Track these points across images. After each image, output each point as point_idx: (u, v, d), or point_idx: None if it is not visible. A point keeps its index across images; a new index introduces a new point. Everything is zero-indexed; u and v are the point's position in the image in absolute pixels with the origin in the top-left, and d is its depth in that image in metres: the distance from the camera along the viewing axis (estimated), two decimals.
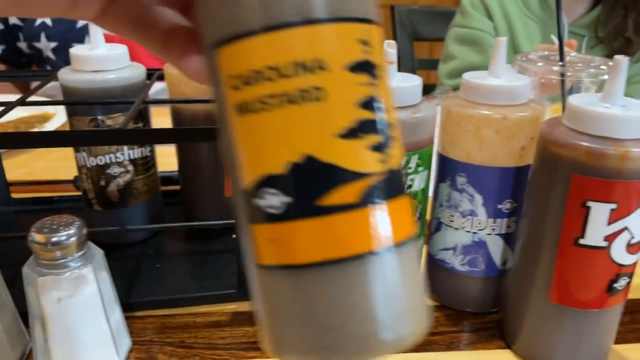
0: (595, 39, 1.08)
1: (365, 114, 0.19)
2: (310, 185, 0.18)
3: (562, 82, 0.62)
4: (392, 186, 0.19)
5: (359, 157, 0.19)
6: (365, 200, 0.19)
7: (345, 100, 0.18)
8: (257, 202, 0.19)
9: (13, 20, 1.22)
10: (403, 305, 0.20)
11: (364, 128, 0.19)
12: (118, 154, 0.51)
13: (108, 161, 0.51)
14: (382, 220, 0.19)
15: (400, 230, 0.20)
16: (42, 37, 1.22)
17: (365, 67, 0.19)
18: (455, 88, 1.09)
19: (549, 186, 0.36)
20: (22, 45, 1.26)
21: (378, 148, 0.19)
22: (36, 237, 0.34)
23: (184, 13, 0.24)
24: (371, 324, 0.19)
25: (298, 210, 0.19)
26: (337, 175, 0.18)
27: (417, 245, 0.21)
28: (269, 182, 0.19)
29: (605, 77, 0.57)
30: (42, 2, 0.20)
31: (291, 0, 0.18)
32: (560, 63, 0.63)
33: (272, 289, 0.20)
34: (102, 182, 0.52)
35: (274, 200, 0.19)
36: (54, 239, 0.34)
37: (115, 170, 0.51)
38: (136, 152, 0.52)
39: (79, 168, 0.52)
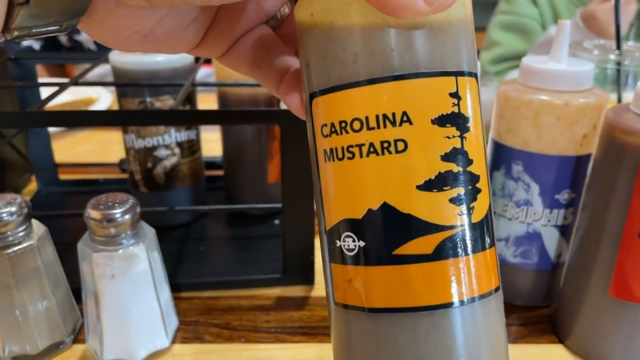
0: None
1: (449, 167, 0.19)
2: (387, 234, 0.19)
3: (618, 71, 0.60)
4: (471, 240, 0.19)
5: (438, 209, 0.19)
6: (441, 253, 0.19)
7: (429, 152, 0.19)
8: (336, 243, 0.20)
9: None
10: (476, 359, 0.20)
11: (446, 181, 0.19)
12: (165, 137, 0.51)
13: (155, 143, 0.51)
14: (457, 274, 0.19)
15: (478, 285, 0.20)
16: None
17: (452, 120, 0.19)
18: (500, 73, 1.06)
19: (613, 175, 0.35)
20: (63, 39, 1.26)
21: (459, 201, 0.19)
22: (92, 213, 0.35)
23: (297, 55, 0.25)
24: None
25: (373, 256, 0.19)
26: (414, 226, 0.19)
27: (499, 299, 0.21)
28: (349, 226, 0.20)
29: None
30: (170, 41, 0.21)
31: (380, 58, 0.18)
32: (617, 52, 0.61)
33: (345, 327, 0.21)
34: (149, 164, 0.52)
35: (351, 243, 0.20)
36: (109, 216, 0.34)
37: (162, 152, 0.52)
38: (183, 135, 0.52)
39: (127, 150, 0.52)
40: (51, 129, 0.66)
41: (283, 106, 0.53)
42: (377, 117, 0.19)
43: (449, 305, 0.19)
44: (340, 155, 0.20)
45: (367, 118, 0.19)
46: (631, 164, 0.33)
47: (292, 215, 0.44)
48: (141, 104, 0.50)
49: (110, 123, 0.41)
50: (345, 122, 0.19)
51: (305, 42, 0.21)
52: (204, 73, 0.97)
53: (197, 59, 0.54)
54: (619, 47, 0.61)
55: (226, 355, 0.40)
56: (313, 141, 0.21)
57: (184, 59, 0.51)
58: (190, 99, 0.52)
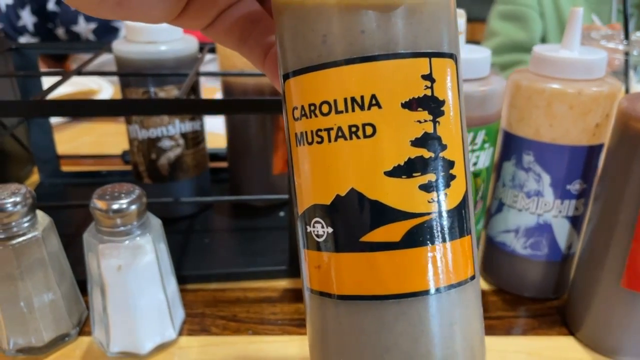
0: None
1: (419, 152, 0.18)
2: (354, 220, 0.18)
3: (626, 61, 0.59)
4: (443, 228, 0.19)
5: (407, 196, 0.18)
6: (410, 241, 0.18)
7: (398, 137, 0.18)
8: (307, 229, 0.20)
9: (50, 7, 1.20)
10: (445, 351, 0.19)
11: (416, 167, 0.18)
12: (169, 127, 0.51)
13: (159, 134, 0.51)
14: (426, 263, 0.18)
15: (449, 274, 0.19)
16: (80, 19, 1.20)
17: (424, 104, 0.18)
18: (502, 66, 1.06)
19: (627, 165, 0.34)
20: (60, 32, 1.23)
21: (431, 188, 0.18)
22: (98, 203, 0.34)
23: None
24: None
25: (340, 243, 0.19)
26: (381, 213, 0.18)
27: (474, 287, 0.20)
28: (318, 211, 0.19)
29: None
30: (147, 8, 0.20)
31: (349, 38, 0.18)
32: (624, 42, 0.60)
33: (316, 313, 0.21)
34: (153, 155, 0.51)
35: (320, 230, 0.19)
36: (115, 206, 0.34)
37: (166, 143, 0.51)
38: (187, 126, 0.52)
39: (131, 141, 0.52)
40: (52, 121, 0.65)
41: None
42: (345, 100, 0.18)
43: (416, 294, 0.19)
44: (309, 140, 0.19)
45: (335, 101, 0.18)
46: None
47: None
48: (145, 94, 0.49)
49: (115, 112, 0.41)
50: (315, 105, 0.19)
51: (278, 22, 0.20)
52: (206, 59, 0.96)
53: (201, 49, 0.53)
54: (627, 37, 0.60)
55: (233, 347, 0.39)
56: (287, 124, 0.20)
57: (188, 48, 0.50)
58: (195, 89, 0.52)
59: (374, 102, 0.18)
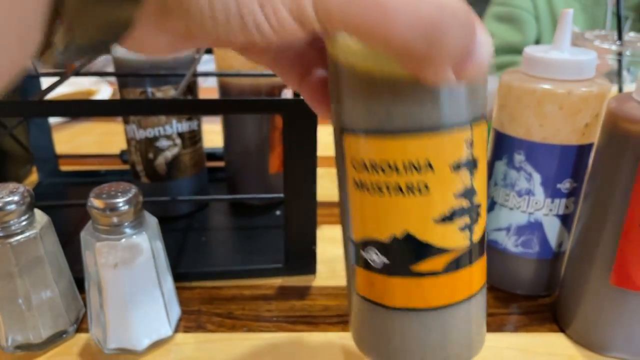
0: (638, 21, 1.04)
1: (460, 203, 0.22)
2: (407, 255, 0.23)
3: (619, 61, 0.60)
4: (472, 254, 0.23)
5: (449, 236, 0.22)
6: (449, 268, 0.23)
7: (445, 193, 0.22)
8: (362, 254, 0.24)
9: None
10: (467, 339, 0.25)
11: (457, 214, 0.22)
12: (167, 127, 0.51)
13: (157, 134, 0.51)
14: (460, 282, 0.23)
15: (474, 285, 0.24)
16: None
17: (466, 165, 0.21)
18: (496, 67, 1.06)
19: (616, 164, 0.35)
20: None
21: (466, 228, 0.22)
22: (95, 202, 0.35)
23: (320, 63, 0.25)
24: (439, 353, 0.25)
25: (394, 270, 0.23)
26: (429, 250, 0.22)
27: (484, 292, 0.26)
28: (374, 244, 0.23)
29: None
30: (147, 45, 0.19)
31: (409, 114, 0.20)
32: (618, 42, 0.61)
33: (364, 314, 0.26)
34: (151, 155, 0.52)
35: (376, 258, 0.23)
36: (111, 205, 0.34)
37: (163, 143, 0.52)
38: (184, 126, 0.52)
39: (128, 140, 0.52)
40: (51, 120, 0.66)
41: (285, 95, 0.53)
42: (404, 163, 0.21)
43: (451, 305, 0.24)
44: (369, 188, 0.22)
45: (395, 163, 0.21)
46: (634, 152, 0.33)
47: (293, 205, 0.44)
48: (142, 94, 0.50)
49: (113, 113, 0.41)
50: (375, 163, 0.21)
51: (339, 79, 0.22)
52: (203, 59, 0.97)
53: (197, 50, 0.54)
54: (620, 37, 0.61)
55: (228, 344, 0.40)
56: (342, 164, 0.23)
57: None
58: (192, 90, 0.52)
59: (428, 166, 0.21)
